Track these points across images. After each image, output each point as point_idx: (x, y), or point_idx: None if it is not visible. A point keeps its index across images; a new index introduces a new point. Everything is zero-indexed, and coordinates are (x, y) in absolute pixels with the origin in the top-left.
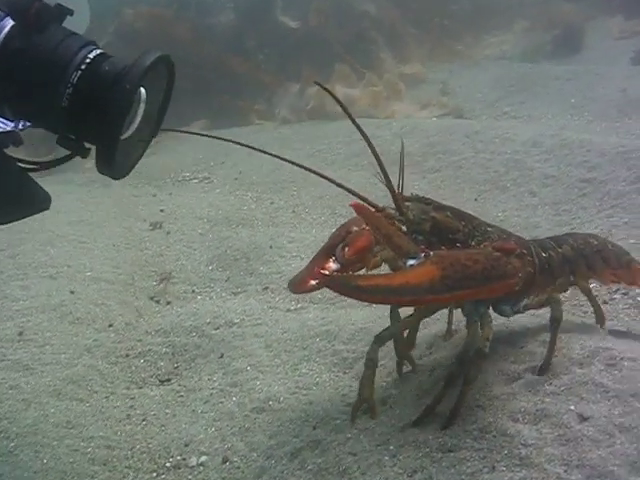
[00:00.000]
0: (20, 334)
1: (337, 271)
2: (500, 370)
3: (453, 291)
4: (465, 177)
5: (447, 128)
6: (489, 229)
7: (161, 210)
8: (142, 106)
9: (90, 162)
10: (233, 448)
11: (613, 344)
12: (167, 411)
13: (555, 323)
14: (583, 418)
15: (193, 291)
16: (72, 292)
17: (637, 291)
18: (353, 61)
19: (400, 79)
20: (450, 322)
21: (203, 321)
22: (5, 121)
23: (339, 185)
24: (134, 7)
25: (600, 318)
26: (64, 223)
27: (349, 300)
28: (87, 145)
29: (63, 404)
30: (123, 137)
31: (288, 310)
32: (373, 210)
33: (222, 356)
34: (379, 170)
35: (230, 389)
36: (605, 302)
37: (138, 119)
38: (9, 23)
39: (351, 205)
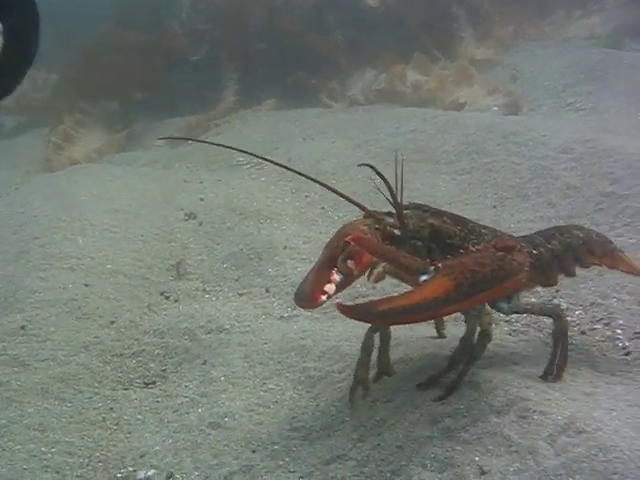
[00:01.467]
0: (23, 328)
1: (341, 283)
2: (427, 411)
3: (468, 298)
4: (491, 182)
5: (487, 126)
6: (483, 231)
7: (201, 199)
8: None
9: (149, 137)
10: (181, 464)
11: (535, 393)
12: (139, 417)
13: (562, 336)
14: (482, 472)
15: (204, 289)
16: (86, 285)
17: (619, 322)
18: (429, 42)
19: (474, 62)
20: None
21: (197, 324)
22: None
23: (335, 192)
24: None
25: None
26: (102, 211)
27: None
28: None
29: (44, 404)
30: None
31: (281, 317)
32: (359, 221)
33: (205, 363)
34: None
35: (199, 399)
36: (583, 332)
37: None
38: None
39: (348, 240)
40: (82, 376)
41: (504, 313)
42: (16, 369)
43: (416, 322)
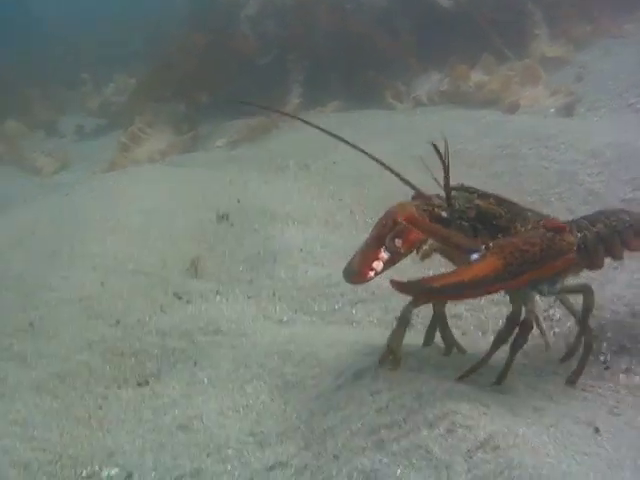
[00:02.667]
0: (31, 324)
1: (388, 261)
2: (369, 421)
3: (518, 276)
4: (518, 186)
5: (524, 130)
6: (529, 214)
7: (238, 200)
8: None
9: (222, 140)
10: (143, 464)
11: (471, 406)
12: (122, 416)
13: (586, 312)
14: None
15: (217, 291)
16: (103, 284)
17: (608, 334)
18: (501, 42)
19: (544, 61)
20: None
21: (198, 325)
22: None
23: (396, 174)
24: None
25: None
26: (136, 211)
27: (341, 315)
28: None
29: (35, 400)
30: None
31: (280, 321)
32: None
33: (195, 364)
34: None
35: (179, 400)
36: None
37: None
38: None
39: (402, 220)
40: (80, 374)
41: (543, 294)
42: (16, 363)
43: (467, 298)
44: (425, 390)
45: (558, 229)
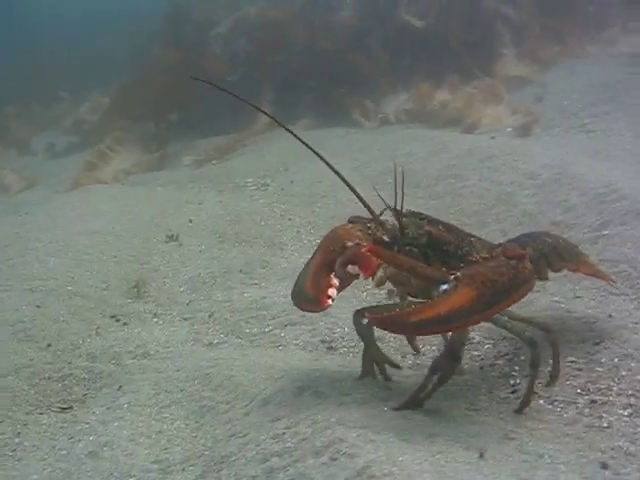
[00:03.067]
0: None
1: (341, 286)
2: (264, 448)
3: (492, 307)
4: (458, 207)
5: (469, 150)
6: (472, 239)
7: (190, 220)
8: None
9: (189, 158)
10: None
11: (358, 434)
12: (36, 443)
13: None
14: None
15: (155, 313)
16: (38, 307)
17: (522, 358)
18: (470, 61)
19: (507, 81)
20: None
21: (127, 349)
22: None
23: (353, 190)
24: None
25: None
26: (82, 233)
27: (269, 338)
28: None
29: None
30: None
31: (209, 344)
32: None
33: (119, 388)
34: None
35: (96, 426)
36: (482, 367)
37: None
38: None
39: (367, 250)
40: (1, 399)
41: (495, 324)
42: None
43: (445, 332)
44: (321, 418)
45: (519, 257)
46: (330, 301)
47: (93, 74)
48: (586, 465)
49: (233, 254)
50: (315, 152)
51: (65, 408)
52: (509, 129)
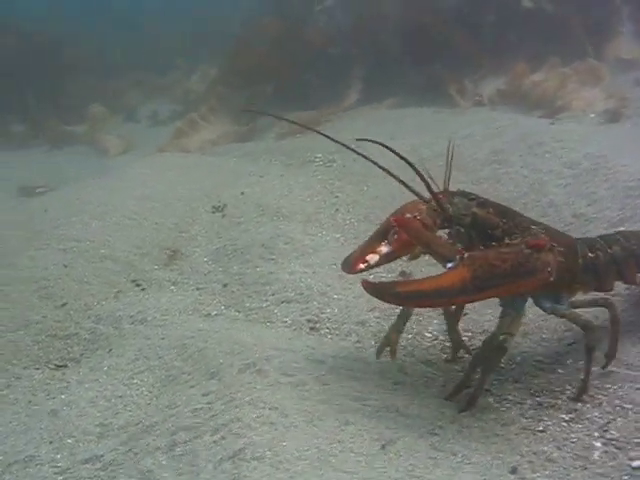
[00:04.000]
0: None
1: (386, 255)
2: (179, 423)
3: (483, 291)
4: (494, 193)
5: (524, 135)
6: (533, 227)
7: (242, 193)
8: None
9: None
10: (6, 446)
11: (257, 416)
12: (19, 397)
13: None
14: None
15: (175, 281)
16: (65, 267)
17: None
18: (580, 40)
19: (617, 63)
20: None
21: (129, 314)
22: None
23: (394, 177)
24: None
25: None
26: (132, 198)
27: (263, 314)
28: None
29: None
30: None
31: (207, 315)
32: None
33: (109, 351)
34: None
35: (74, 386)
36: (448, 360)
37: None
38: None
39: (394, 220)
40: (4, 352)
41: (545, 311)
42: None
43: (430, 307)
44: (240, 396)
45: (537, 247)
46: (363, 265)
47: (205, 45)
48: (495, 467)
49: (265, 228)
50: (345, 145)
51: (60, 366)
52: (592, 115)
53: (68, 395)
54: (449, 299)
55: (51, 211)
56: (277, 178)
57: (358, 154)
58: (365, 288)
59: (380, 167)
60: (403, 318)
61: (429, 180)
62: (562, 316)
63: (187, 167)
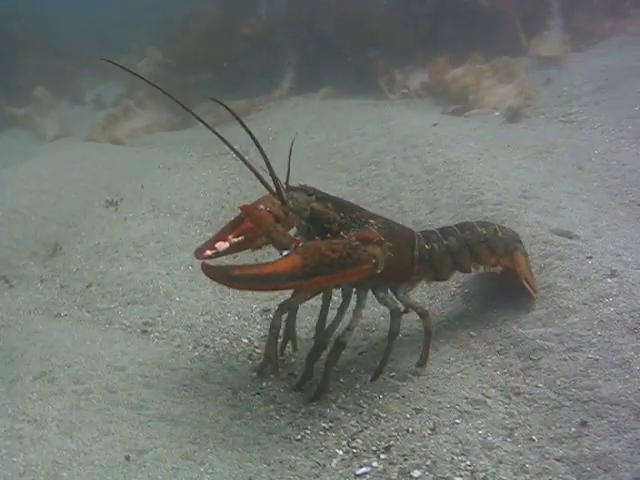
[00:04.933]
0: None
1: (237, 244)
2: None
3: (312, 277)
4: (357, 196)
5: (406, 137)
6: (371, 221)
7: (142, 186)
8: None
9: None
10: None
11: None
12: None
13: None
14: None
15: (42, 279)
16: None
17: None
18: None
19: (538, 59)
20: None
21: None
22: None
23: (251, 168)
24: None
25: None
26: (30, 191)
27: (108, 315)
28: None
29: None
30: None
31: (57, 315)
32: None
33: None
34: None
35: None
36: None
37: None
38: None
39: (241, 208)
40: None
41: (379, 302)
42: None
43: (262, 291)
44: (6, 407)
45: (365, 240)
46: (210, 252)
47: (156, 30)
48: (232, 477)
49: (146, 225)
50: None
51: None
52: (497, 113)
53: None
54: (280, 284)
55: None
56: (184, 171)
57: (232, 149)
58: (203, 270)
59: (242, 158)
60: (275, 331)
61: (276, 175)
62: (389, 305)
63: (98, 158)
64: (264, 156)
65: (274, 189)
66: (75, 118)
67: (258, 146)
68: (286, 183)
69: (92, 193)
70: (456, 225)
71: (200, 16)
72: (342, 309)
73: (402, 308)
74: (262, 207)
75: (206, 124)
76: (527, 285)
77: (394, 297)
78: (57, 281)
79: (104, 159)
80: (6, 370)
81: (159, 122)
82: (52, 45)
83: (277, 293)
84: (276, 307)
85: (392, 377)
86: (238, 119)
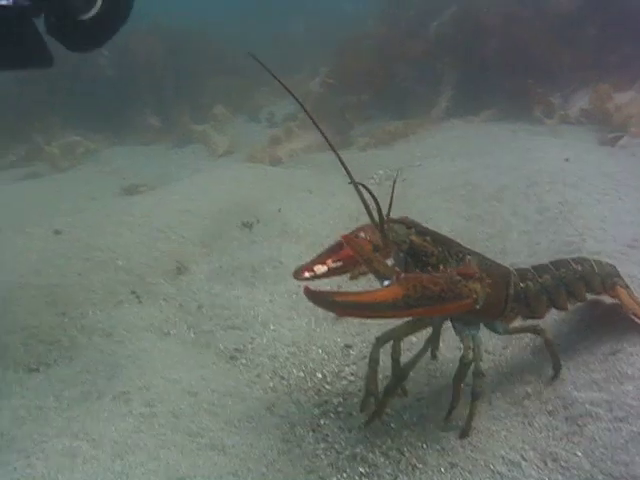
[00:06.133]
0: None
1: (336, 269)
2: None
3: (412, 308)
4: (468, 231)
5: (531, 172)
6: (468, 256)
7: (279, 210)
8: None
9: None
10: None
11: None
12: None
13: (550, 346)
14: None
15: (166, 298)
16: (79, 275)
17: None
18: None
19: None
20: (436, 341)
21: (102, 327)
22: None
23: (357, 191)
24: None
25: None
26: (176, 210)
27: (207, 338)
28: None
29: None
30: None
31: (166, 334)
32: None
33: (70, 361)
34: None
35: (22, 392)
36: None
37: None
38: None
39: (342, 237)
40: None
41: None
42: None
43: (364, 318)
44: (73, 424)
45: (466, 275)
46: (308, 274)
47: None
48: None
49: (269, 250)
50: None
51: (33, 369)
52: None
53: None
54: (380, 312)
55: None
56: (324, 195)
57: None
58: (305, 294)
59: (353, 182)
60: (374, 365)
61: (380, 207)
62: (466, 345)
63: (246, 179)
64: (365, 187)
65: (377, 219)
66: (248, 135)
67: (347, 171)
68: (387, 215)
69: (232, 214)
70: (551, 262)
71: (367, 38)
72: (464, 342)
73: (471, 358)
74: (362, 234)
75: (330, 145)
76: (637, 319)
77: (479, 334)
78: (177, 300)
79: (252, 180)
80: (101, 386)
81: (318, 142)
82: (236, 64)
83: (364, 328)
84: (358, 343)
85: (437, 427)
86: (283, 85)
